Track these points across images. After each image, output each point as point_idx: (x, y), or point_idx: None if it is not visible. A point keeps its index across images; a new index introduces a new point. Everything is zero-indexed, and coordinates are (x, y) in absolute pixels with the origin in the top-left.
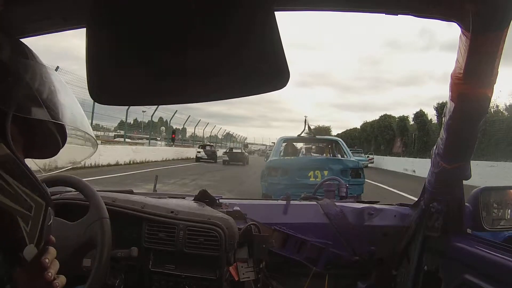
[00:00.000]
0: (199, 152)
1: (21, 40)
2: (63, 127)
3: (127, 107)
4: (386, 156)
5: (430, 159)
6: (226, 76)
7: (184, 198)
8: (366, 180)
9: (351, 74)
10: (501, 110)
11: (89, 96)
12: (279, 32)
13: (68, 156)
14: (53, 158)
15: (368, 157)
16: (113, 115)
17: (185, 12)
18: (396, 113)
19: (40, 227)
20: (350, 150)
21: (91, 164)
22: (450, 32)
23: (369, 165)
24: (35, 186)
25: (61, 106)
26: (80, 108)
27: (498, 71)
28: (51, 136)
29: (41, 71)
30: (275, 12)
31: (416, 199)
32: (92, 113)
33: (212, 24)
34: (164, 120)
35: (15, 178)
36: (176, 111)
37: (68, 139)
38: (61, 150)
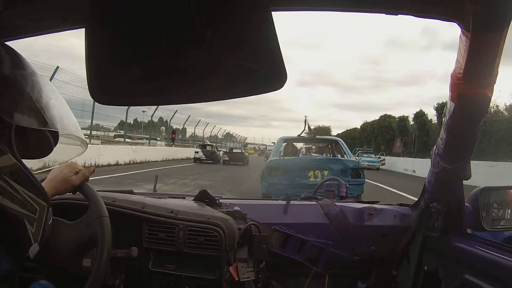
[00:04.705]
0: (197, 152)
1: (20, 40)
2: (56, 131)
3: (127, 107)
4: (386, 156)
5: (430, 159)
6: (224, 77)
7: (184, 198)
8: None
9: (352, 73)
10: (501, 110)
11: (89, 96)
12: (276, 33)
13: (60, 155)
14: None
15: (379, 158)
16: (113, 115)
17: (183, 12)
18: (396, 113)
19: (43, 227)
20: (359, 150)
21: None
22: (452, 31)
23: (381, 167)
24: (39, 191)
25: (56, 111)
26: (69, 109)
27: (498, 71)
28: (45, 139)
29: (37, 81)
30: (273, 12)
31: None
32: (92, 113)
33: (210, 24)
34: (164, 120)
35: (23, 186)
36: (176, 111)
37: (60, 139)
38: (53, 150)
